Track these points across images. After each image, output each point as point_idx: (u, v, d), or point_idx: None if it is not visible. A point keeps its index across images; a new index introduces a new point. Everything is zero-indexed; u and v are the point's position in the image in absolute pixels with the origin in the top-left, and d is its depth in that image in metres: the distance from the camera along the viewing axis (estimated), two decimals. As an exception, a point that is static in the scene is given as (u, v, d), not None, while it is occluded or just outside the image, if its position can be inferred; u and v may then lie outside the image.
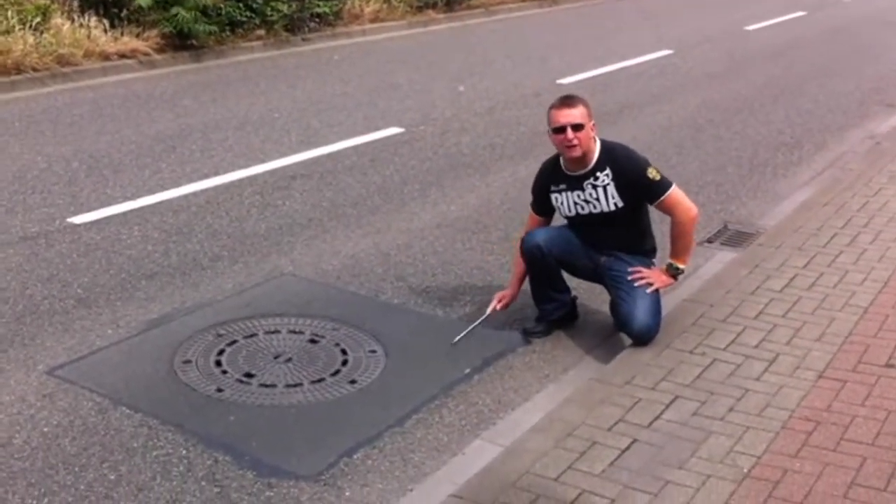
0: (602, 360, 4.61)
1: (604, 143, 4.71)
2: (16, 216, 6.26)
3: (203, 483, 3.62)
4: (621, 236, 4.68)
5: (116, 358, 4.52)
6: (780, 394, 4.16)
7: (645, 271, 4.69)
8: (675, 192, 4.64)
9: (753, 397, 4.12)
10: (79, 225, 6.16)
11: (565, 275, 4.89)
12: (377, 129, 8.63)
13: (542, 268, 4.77)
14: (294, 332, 4.85)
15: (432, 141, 8.34)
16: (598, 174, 4.64)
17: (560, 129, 4.56)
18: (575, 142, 4.54)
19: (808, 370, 4.36)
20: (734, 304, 5.06)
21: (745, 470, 3.59)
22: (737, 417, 3.96)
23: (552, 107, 4.64)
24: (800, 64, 12.13)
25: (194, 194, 6.81)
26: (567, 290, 4.93)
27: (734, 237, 6.39)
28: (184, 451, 3.81)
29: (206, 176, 7.19)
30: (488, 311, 4.83)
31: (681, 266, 4.71)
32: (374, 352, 4.69)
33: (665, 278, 4.71)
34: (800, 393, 4.16)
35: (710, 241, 6.33)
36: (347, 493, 3.59)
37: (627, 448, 3.74)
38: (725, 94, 10.36)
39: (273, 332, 4.83)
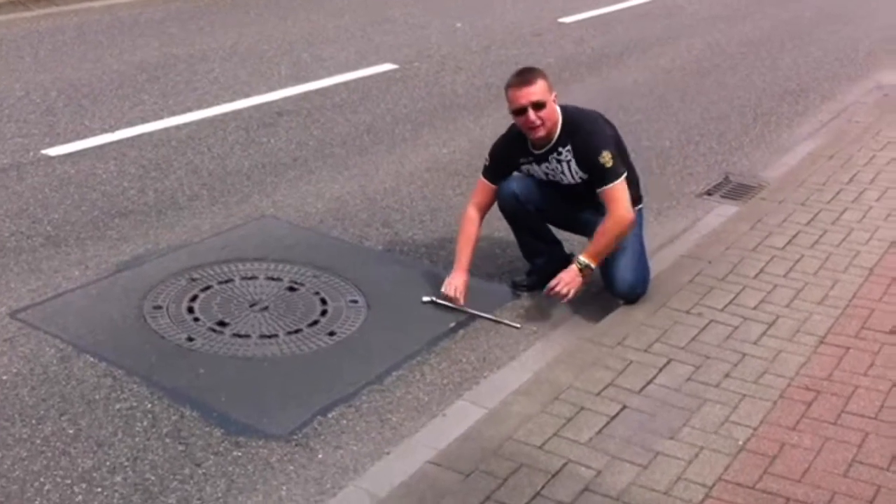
0: (594, 317, 4.40)
1: (567, 116, 4.36)
2: (-12, 146, 5.98)
3: (167, 440, 3.42)
4: (594, 196, 4.38)
5: (83, 302, 4.30)
6: (778, 360, 3.96)
7: (559, 284, 4.23)
8: (619, 188, 4.28)
9: (751, 363, 3.93)
10: (53, 157, 5.89)
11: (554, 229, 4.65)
12: (370, 64, 8.30)
13: (523, 218, 4.52)
14: (272, 278, 4.62)
15: (426, 79, 8.03)
16: (561, 149, 4.36)
17: (521, 111, 4.25)
18: (538, 122, 4.25)
19: (808, 335, 4.16)
20: (734, 262, 4.84)
21: (741, 442, 3.40)
22: (732, 384, 3.77)
23: (508, 85, 4.30)
24: (810, 9, 11.75)
25: (176, 128, 6.53)
26: (556, 241, 4.70)
27: (735, 190, 6.14)
28: (149, 405, 3.60)
29: (189, 109, 6.90)
30: (467, 309, 4.38)
31: (592, 265, 4.27)
32: (355, 302, 4.48)
33: (579, 279, 4.25)
34: (799, 359, 3.96)
35: (709, 193, 6.10)
36: (320, 455, 3.40)
37: (616, 415, 3.54)
38: (732, 38, 10.02)
39: (250, 279, 4.60)
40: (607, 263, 4.38)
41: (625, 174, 4.33)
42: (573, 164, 4.35)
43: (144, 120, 6.63)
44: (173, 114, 6.79)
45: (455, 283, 4.43)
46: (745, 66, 9.04)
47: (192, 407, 3.61)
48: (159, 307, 4.29)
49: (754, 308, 4.39)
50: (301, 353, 4.05)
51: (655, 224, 5.53)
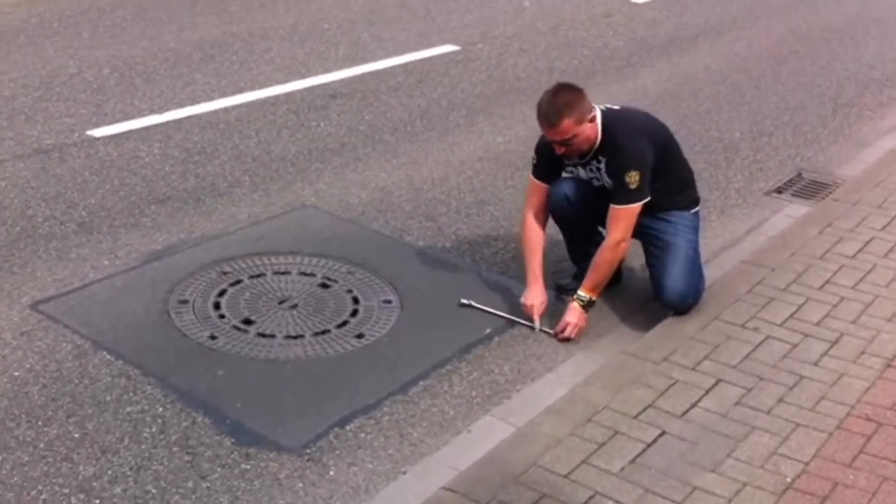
0: (641, 327, 4.11)
1: (608, 129, 4.00)
2: (35, 125, 5.90)
3: (174, 449, 3.26)
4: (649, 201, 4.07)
5: (108, 293, 4.16)
6: (839, 384, 3.63)
7: (567, 328, 4.01)
8: (630, 212, 3.97)
9: (808, 387, 3.61)
10: (98, 139, 5.78)
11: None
12: (430, 45, 8.04)
13: (574, 221, 4.25)
14: (305, 273, 4.43)
15: (488, 61, 7.75)
16: (600, 158, 4.07)
17: (549, 140, 4.01)
18: (565, 152, 4.00)
19: (874, 356, 3.82)
20: (798, 270, 4.49)
21: (789, 479, 3.10)
22: (786, 411, 3.46)
23: (537, 111, 3.96)
24: (901, -8, 11.11)
25: (225, 110, 6.37)
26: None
27: (808, 188, 5.76)
28: (160, 409, 3.44)
29: (241, 90, 6.74)
30: (535, 327, 4.09)
31: (593, 299, 4.03)
32: (388, 302, 4.26)
33: (585, 316, 4.04)
34: (862, 384, 3.63)
35: (779, 190, 5.72)
36: (332, 473, 3.20)
37: (654, 441, 3.27)
38: (814, 23, 9.50)
39: (282, 273, 4.42)
40: (656, 269, 4.09)
41: (645, 200, 4.00)
42: (605, 176, 4.07)
43: (194, 101, 6.48)
44: (224, 95, 6.63)
45: (533, 300, 4.13)
46: (826, 52, 8.55)
47: (206, 413, 3.44)
48: (185, 301, 4.13)
49: (817, 324, 4.05)
50: (326, 356, 3.85)
51: (717, 224, 5.20)
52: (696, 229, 4.21)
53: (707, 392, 3.55)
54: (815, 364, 3.75)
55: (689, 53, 8.28)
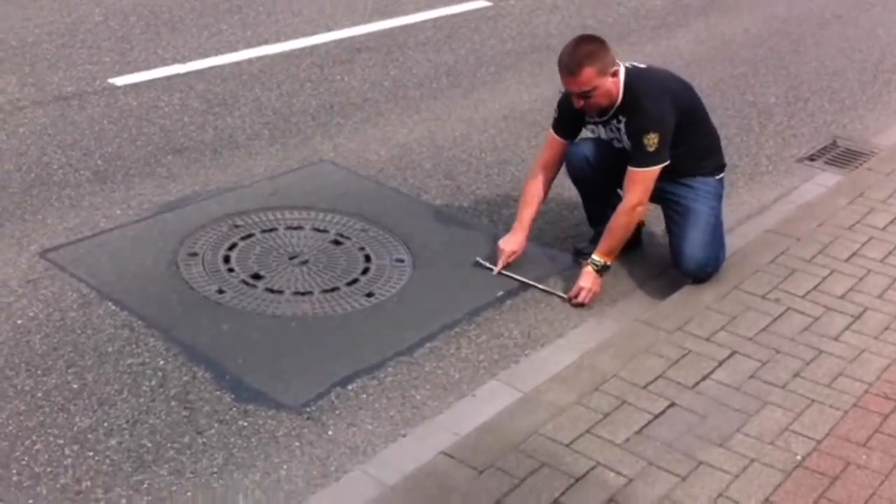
0: (658, 295, 4.01)
1: (630, 86, 3.85)
2: (57, 72, 5.85)
3: (173, 403, 3.21)
4: (668, 165, 3.92)
5: (118, 244, 4.12)
6: (859, 360, 3.51)
7: (581, 293, 3.91)
8: (648, 175, 3.84)
9: (826, 362, 3.49)
10: (119, 87, 5.72)
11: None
12: (462, 0, 7.88)
13: (593, 184, 4.13)
14: (318, 229, 4.36)
15: (519, 17, 7.57)
16: (620, 117, 3.92)
17: (569, 93, 3.86)
18: (584, 106, 3.84)
19: (898, 333, 3.69)
20: (825, 241, 4.35)
21: (799, 457, 3.00)
22: (801, 386, 3.34)
23: (559, 62, 3.81)
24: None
25: (249, 62, 6.28)
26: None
27: (842, 156, 5.58)
28: (161, 362, 3.40)
29: (266, 42, 6.64)
30: (495, 270, 4.07)
31: (608, 263, 3.92)
32: (400, 261, 4.18)
33: (600, 281, 3.93)
34: (883, 361, 3.51)
35: (812, 158, 5.55)
36: (330, 432, 3.14)
37: (662, 413, 3.18)
38: (860, -14, 9.20)
39: (295, 228, 4.35)
40: (675, 236, 3.97)
41: (663, 164, 3.86)
42: (625, 136, 3.93)
43: (219, 51, 6.40)
44: (249, 46, 6.54)
45: (505, 245, 4.09)
46: (870, 17, 8.27)
47: (207, 367, 3.39)
48: (195, 254, 4.08)
49: (841, 297, 3.92)
50: (333, 313, 3.78)
51: (745, 191, 5.06)
52: (719, 196, 4.08)
53: (721, 364, 3.44)
54: (836, 339, 3.63)
55: (728, 15, 8.05)
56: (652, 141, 3.80)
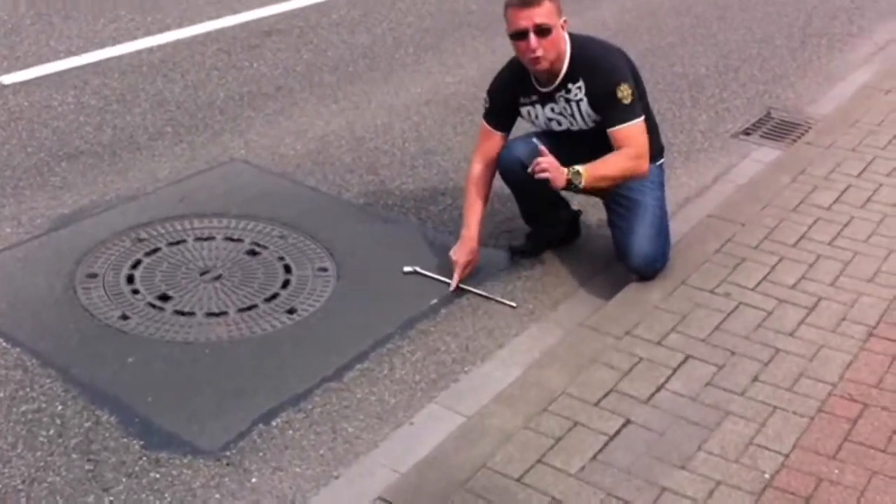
0: (602, 293, 3.74)
1: (578, 45, 3.62)
2: (-65, 72, 5.35)
3: (74, 455, 2.85)
4: (610, 149, 3.63)
5: (6, 267, 3.71)
6: (818, 357, 3.30)
7: (547, 159, 3.47)
8: (638, 128, 3.59)
9: (785, 362, 3.27)
10: (7, 86, 5.25)
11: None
12: (376, -25, 7.49)
13: (529, 187, 3.82)
14: (231, 239, 4.00)
15: (436, -8, 7.24)
16: (570, 86, 3.62)
17: (520, 34, 3.50)
18: (540, 52, 3.49)
19: (856, 324, 3.49)
20: (770, 225, 4.14)
21: (768, 475, 2.77)
22: (762, 392, 3.12)
23: (509, 3, 3.53)
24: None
25: (149, 50, 5.84)
26: (564, 204, 4.01)
27: (777, 128, 5.39)
28: (59, 407, 3.03)
29: (168, 28, 6.20)
30: (452, 285, 3.73)
31: (581, 183, 3.49)
32: (323, 270, 3.85)
33: (560, 178, 3.47)
34: (844, 357, 3.30)
35: (747, 132, 5.35)
36: (254, 480, 2.81)
37: (617, 433, 2.92)
38: (781, -53, 9.04)
39: (205, 239, 3.98)
40: (621, 230, 3.69)
41: (643, 117, 3.62)
42: (584, 105, 3.62)
43: (116, 41, 5.94)
44: (149, 33, 6.09)
45: (458, 256, 3.74)
46: (794, -21, 8.10)
47: (111, 410, 3.03)
48: (94, 275, 3.69)
49: (792, 287, 3.71)
50: (252, 336, 3.44)
51: (682, 171, 4.83)
52: (661, 184, 3.82)
53: (675, 371, 3.19)
54: (792, 335, 3.41)
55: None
56: (625, 92, 3.53)
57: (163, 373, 3.21)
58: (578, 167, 3.50)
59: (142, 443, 2.91)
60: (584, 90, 3.60)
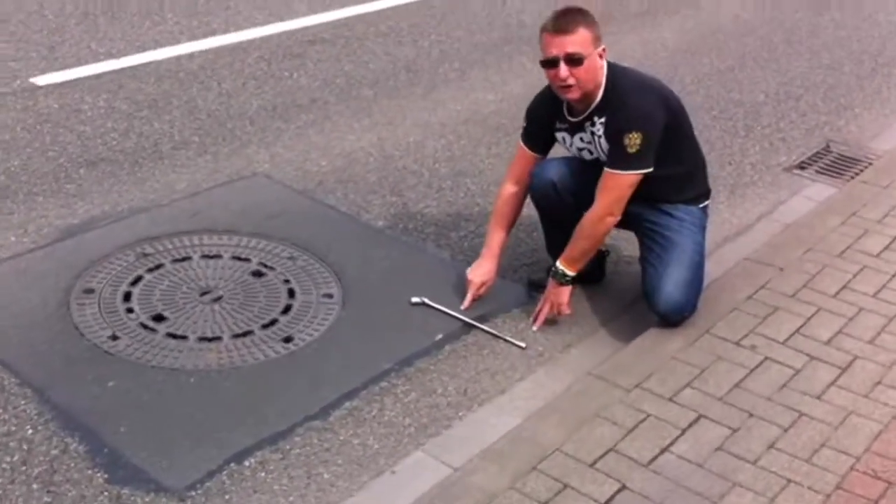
0: (620, 336, 3.51)
1: (615, 77, 3.39)
2: (-26, 70, 5.33)
3: (35, 486, 2.72)
4: (644, 188, 3.41)
5: (6, 278, 3.62)
6: (845, 426, 3.01)
7: (546, 308, 3.54)
8: (624, 181, 3.35)
9: (807, 428, 2.99)
10: (40, 87, 5.20)
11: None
12: (431, -15, 7.34)
13: (558, 210, 3.62)
14: (238, 258, 3.86)
15: (490, 4, 7.04)
16: (596, 119, 3.42)
17: (551, 62, 3.30)
18: (571, 81, 3.29)
19: (891, 388, 3.21)
20: (811, 271, 3.85)
21: (770, 563, 2.50)
22: (777, 461, 2.85)
23: (543, 28, 3.34)
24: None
25: (189, 56, 5.76)
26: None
27: (835, 164, 5.07)
28: (29, 431, 2.91)
29: (213, 33, 6.11)
30: (464, 304, 3.61)
31: (569, 273, 3.46)
32: (328, 297, 3.68)
33: (564, 291, 3.49)
34: (872, 427, 3.01)
35: (802, 166, 5.03)
36: (215, 526, 2.65)
37: (610, 500, 2.68)
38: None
39: (212, 257, 3.85)
40: (655, 269, 3.44)
41: (645, 170, 3.36)
42: (602, 141, 3.42)
43: (158, 44, 5.88)
44: (193, 38, 6.02)
45: (474, 276, 3.63)
46: (870, 2, 7.71)
47: (82, 438, 2.90)
48: (91, 291, 3.58)
49: (827, 342, 3.42)
50: (242, 365, 3.28)
51: (724, 207, 4.54)
52: (703, 228, 3.58)
53: (683, 432, 2.94)
54: (819, 398, 3.13)
55: (718, 1, 7.50)
56: (634, 141, 3.29)
57: (142, 401, 3.07)
58: (557, 266, 3.47)
59: (106, 476, 2.77)
60: (603, 127, 3.41)
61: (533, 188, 3.65)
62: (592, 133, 3.45)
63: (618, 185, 3.36)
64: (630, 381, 3.16)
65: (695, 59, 6.35)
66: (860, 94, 6.00)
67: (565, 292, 3.47)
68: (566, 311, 3.51)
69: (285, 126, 5.00)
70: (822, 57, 6.55)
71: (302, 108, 5.22)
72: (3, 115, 4.85)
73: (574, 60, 3.27)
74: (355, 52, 6.03)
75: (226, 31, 6.18)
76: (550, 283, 3.51)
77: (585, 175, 3.50)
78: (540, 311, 3.53)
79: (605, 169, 3.39)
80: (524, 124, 3.68)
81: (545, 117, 3.60)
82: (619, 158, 3.33)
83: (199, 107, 5.13)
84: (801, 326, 3.49)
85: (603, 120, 3.40)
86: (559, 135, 3.60)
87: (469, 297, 3.60)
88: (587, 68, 3.30)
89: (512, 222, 3.71)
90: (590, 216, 3.42)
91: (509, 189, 3.67)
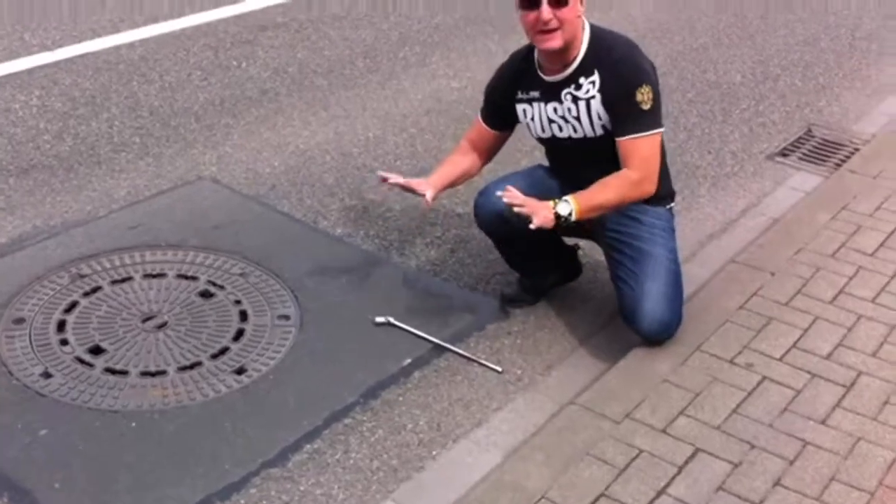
0: (604, 354, 3.22)
1: (597, 35, 3.09)
2: None
3: (-48, 562, 2.39)
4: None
5: (-77, 309, 3.26)
6: (854, 455, 2.76)
7: (521, 197, 2.94)
8: (651, 143, 3.03)
9: (813, 459, 2.73)
10: (-33, 84, 4.80)
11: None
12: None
13: (512, 242, 3.30)
14: (184, 276, 3.52)
15: (453, -17, 6.68)
16: (582, 80, 3.06)
17: (531, 3, 2.96)
18: (554, 24, 2.95)
19: (901, 409, 2.94)
20: (804, 275, 3.58)
21: None
22: (783, 501, 2.58)
23: None
24: None
25: (130, 45, 5.37)
26: (559, 246, 3.47)
27: (819, 149, 4.82)
28: (-53, 494, 2.57)
29: (156, 19, 5.72)
30: (390, 178, 3.16)
31: (573, 214, 2.95)
32: (285, 318, 3.36)
33: (547, 215, 2.93)
34: (886, 456, 2.76)
35: (784, 153, 4.77)
36: None
37: (602, 557, 2.40)
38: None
39: (155, 276, 3.51)
40: (630, 287, 3.12)
41: (662, 130, 3.06)
42: (595, 104, 3.05)
43: (96, 33, 5.48)
44: (134, 25, 5.62)
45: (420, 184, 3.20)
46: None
47: (11, 498, 2.57)
48: (21, 321, 3.23)
49: (827, 357, 3.16)
50: (190, 403, 2.96)
51: (706, 201, 4.28)
52: (672, 231, 3.27)
53: (680, 470, 2.67)
54: (824, 422, 2.87)
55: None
56: (646, 96, 2.98)
57: (78, 451, 2.74)
58: (567, 197, 2.95)
59: (36, 547, 2.44)
60: (597, 85, 3.04)
61: (479, 220, 3.32)
62: (575, 98, 3.08)
63: (643, 149, 3.00)
64: (618, 410, 2.88)
65: (666, 37, 6.06)
66: (839, 72, 5.75)
67: (550, 220, 2.94)
68: (525, 211, 2.92)
69: (234, 122, 4.65)
70: (797, 33, 6.28)
71: (252, 102, 4.86)
72: (-76, 119, 4.45)
73: (557, 0, 2.94)
74: (310, 38, 5.67)
75: (170, 16, 5.79)
76: (546, 208, 2.93)
77: (543, 191, 3.09)
78: (513, 200, 2.92)
79: (621, 138, 3.01)
80: (483, 104, 3.37)
81: (510, 86, 3.24)
82: (636, 118, 2.98)
83: (141, 102, 4.76)
84: (798, 339, 3.23)
85: (594, 79, 3.05)
86: (521, 107, 3.22)
87: (391, 178, 3.16)
88: (571, 13, 2.97)
89: (463, 170, 3.34)
90: (626, 176, 3.00)
91: (465, 147, 3.37)
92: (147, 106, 4.73)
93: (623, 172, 3.03)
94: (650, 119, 3.02)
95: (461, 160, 3.36)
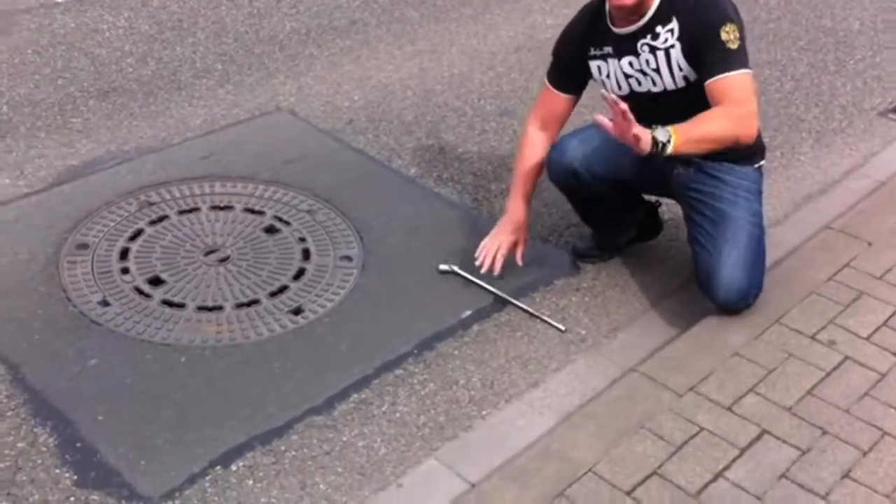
0: (675, 320, 3.05)
1: None
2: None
3: (-8, 488, 2.41)
4: None
5: (-6, 229, 3.28)
6: (937, 449, 2.54)
7: (629, 123, 2.59)
8: (745, 80, 2.75)
9: (890, 453, 2.53)
10: (59, 3, 4.81)
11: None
12: None
13: (586, 197, 3.12)
14: (251, 210, 3.47)
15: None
16: (659, 29, 2.83)
17: None
18: None
19: None
20: (905, 246, 3.32)
21: None
22: (851, 496, 2.40)
23: None
24: None
25: (223, -32, 5.28)
26: (632, 205, 3.29)
27: (937, 108, 4.45)
28: (-6, 419, 2.59)
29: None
30: (485, 267, 3.12)
31: (671, 142, 2.62)
32: (347, 259, 3.28)
33: (647, 140, 2.61)
34: (973, 453, 2.53)
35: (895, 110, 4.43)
36: (188, 545, 2.32)
37: (647, 539, 2.27)
38: None
39: (222, 208, 3.47)
40: (707, 251, 2.92)
41: (751, 73, 2.82)
42: (675, 52, 2.83)
43: (191, -47, 5.40)
44: (230, -54, 5.51)
45: (499, 233, 3.14)
46: None
47: (53, 428, 2.57)
48: (85, 246, 3.23)
49: (920, 339, 2.92)
50: (243, 342, 2.92)
51: (808, 159, 4.01)
52: (759, 193, 3.04)
53: (742, 452, 2.50)
54: (907, 411, 2.66)
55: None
56: (732, 34, 2.74)
57: (126, 384, 2.73)
58: (668, 127, 2.66)
59: (75, 478, 2.44)
60: (676, 33, 2.82)
61: (551, 175, 3.14)
62: (653, 49, 2.86)
63: (738, 86, 2.73)
64: (682, 382, 2.72)
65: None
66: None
67: (647, 143, 2.60)
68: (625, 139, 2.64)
69: (318, 52, 4.54)
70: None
71: (338, 32, 4.74)
72: (15, 37, 4.47)
73: None
74: (406, -35, 5.48)
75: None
76: (645, 130, 2.61)
77: (619, 149, 2.79)
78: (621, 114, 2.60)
79: (712, 79, 2.74)
80: (551, 64, 3.15)
81: (581, 44, 3.04)
82: (723, 57, 2.73)
83: (227, 28, 4.69)
84: (889, 318, 2.99)
85: (672, 27, 2.83)
86: (595, 64, 3.01)
87: (487, 261, 3.11)
88: None
89: (538, 171, 3.17)
90: (728, 110, 2.71)
91: (531, 135, 3.17)
92: (233, 32, 4.66)
93: (724, 106, 2.75)
94: (740, 58, 2.77)
95: (532, 161, 3.14)
